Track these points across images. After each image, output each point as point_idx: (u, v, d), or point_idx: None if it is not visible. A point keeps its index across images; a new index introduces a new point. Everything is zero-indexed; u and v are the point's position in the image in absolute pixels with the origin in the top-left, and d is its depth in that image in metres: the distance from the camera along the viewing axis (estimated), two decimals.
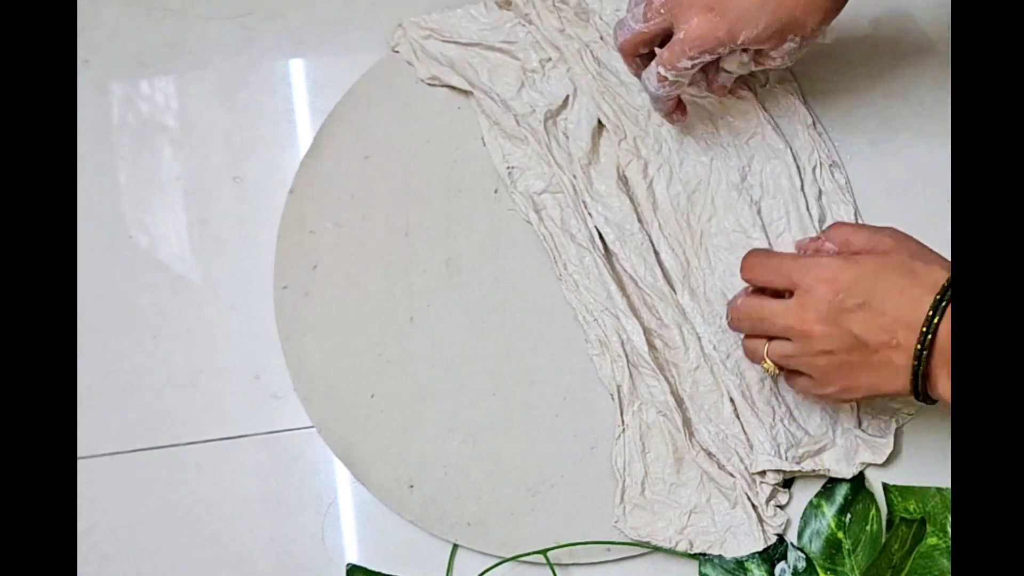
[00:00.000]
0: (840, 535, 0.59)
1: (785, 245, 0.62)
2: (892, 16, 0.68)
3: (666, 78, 0.57)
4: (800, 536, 0.59)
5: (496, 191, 0.65)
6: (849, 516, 0.59)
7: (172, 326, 0.64)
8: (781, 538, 0.59)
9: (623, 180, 0.64)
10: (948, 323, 0.49)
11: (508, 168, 0.65)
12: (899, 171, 0.65)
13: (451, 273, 0.64)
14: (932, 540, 0.57)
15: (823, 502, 0.60)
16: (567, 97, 0.65)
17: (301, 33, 0.68)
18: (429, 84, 0.67)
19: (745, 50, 0.57)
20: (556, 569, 0.59)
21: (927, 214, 0.64)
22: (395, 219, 0.64)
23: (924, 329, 0.49)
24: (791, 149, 0.64)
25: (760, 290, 0.56)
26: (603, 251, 0.62)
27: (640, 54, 0.59)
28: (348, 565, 0.60)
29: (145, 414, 0.62)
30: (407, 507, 0.60)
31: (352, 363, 0.62)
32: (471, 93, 0.66)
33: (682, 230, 0.63)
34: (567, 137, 0.65)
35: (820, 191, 0.64)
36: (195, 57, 0.68)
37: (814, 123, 0.65)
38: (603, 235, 0.63)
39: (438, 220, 0.64)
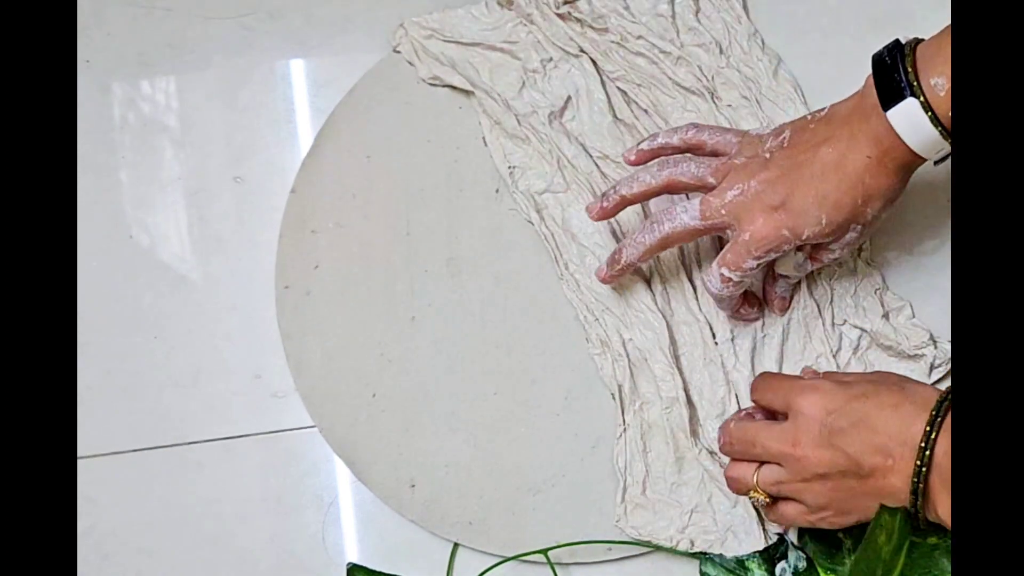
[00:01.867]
0: (840, 534, 0.58)
1: None
2: (893, 16, 0.67)
3: (730, 279, 0.56)
4: (800, 535, 0.59)
5: (497, 191, 0.65)
6: None
7: (173, 326, 0.64)
8: (782, 537, 0.59)
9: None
10: (946, 440, 0.49)
11: (509, 168, 0.65)
12: None
13: (452, 273, 0.64)
14: (932, 539, 0.56)
15: None
16: (569, 98, 0.65)
17: (302, 33, 0.68)
18: (430, 84, 0.66)
19: (800, 248, 0.57)
20: (557, 568, 0.59)
21: (927, 214, 0.64)
22: (396, 219, 0.64)
23: (923, 445, 0.49)
24: None
25: (753, 413, 0.57)
26: None
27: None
28: (348, 564, 0.60)
29: (146, 414, 0.62)
30: (408, 506, 0.60)
31: (353, 362, 0.62)
32: (472, 93, 0.66)
33: None
34: (578, 138, 0.64)
35: None
36: (196, 57, 0.67)
37: None
38: (620, 229, 0.63)
39: (439, 220, 0.64)
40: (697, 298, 0.62)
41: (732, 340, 0.61)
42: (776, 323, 0.61)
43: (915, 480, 0.49)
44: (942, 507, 0.49)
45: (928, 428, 0.49)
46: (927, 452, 0.49)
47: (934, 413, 0.49)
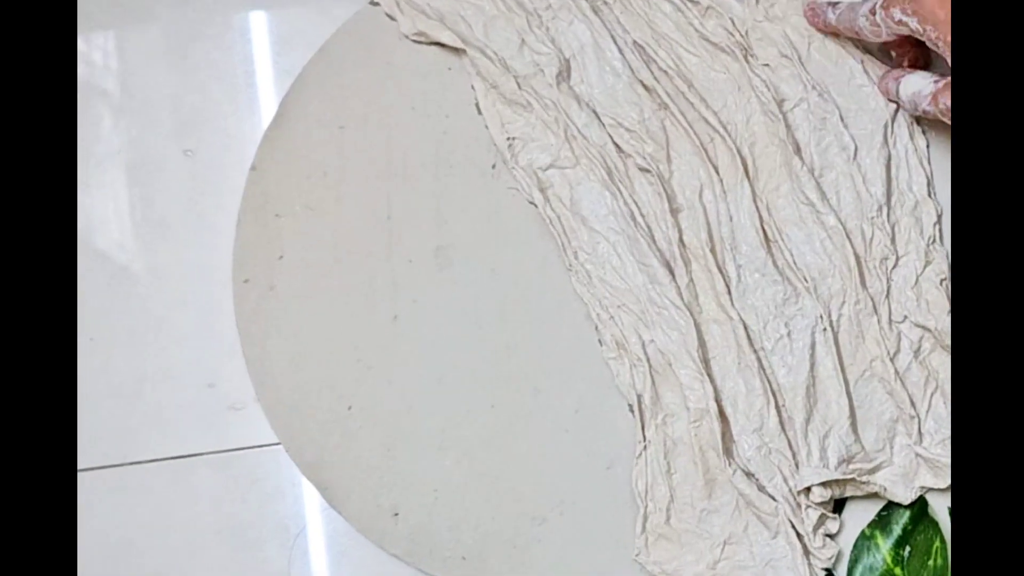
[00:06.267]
0: (898, 571, 0.57)
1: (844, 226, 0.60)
2: None
3: None
4: (850, 573, 0.57)
5: (494, 167, 0.63)
6: (908, 549, 0.57)
7: (111, 326, 0.61)
8: (830, 573, 0.56)
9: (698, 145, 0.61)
10: None
11: (508, 139, 0.62)
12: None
13: (441, 264, 0.61)
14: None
15: (877, 533, 0.57)
16: (577, 52, 0.63)
17: None
18: (414, 41, 0.64)
19: None
20: None
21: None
22: (375, 201, 0.62)
23: None
24: (839, 112, 0.62)
25: None
26: (647, 228, 0.60)
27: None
28: None
29: (79, 429, 0.60)
30: (391, 538, 0.58)
31: (325, 370, 0.60)
32: (464, 52, 0.63)
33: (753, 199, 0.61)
34: (588, 103, 0.62)
35: (889, 156, 0.62)
36: (138, 8, 0.66)
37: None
38: (640, 211, 0.60)
39: (426, 201, 0.62)
40: (730, 292, 0.59)
41: (788, 336, 0.59)
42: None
43: None
44: None
45: None
46: None
47: None
